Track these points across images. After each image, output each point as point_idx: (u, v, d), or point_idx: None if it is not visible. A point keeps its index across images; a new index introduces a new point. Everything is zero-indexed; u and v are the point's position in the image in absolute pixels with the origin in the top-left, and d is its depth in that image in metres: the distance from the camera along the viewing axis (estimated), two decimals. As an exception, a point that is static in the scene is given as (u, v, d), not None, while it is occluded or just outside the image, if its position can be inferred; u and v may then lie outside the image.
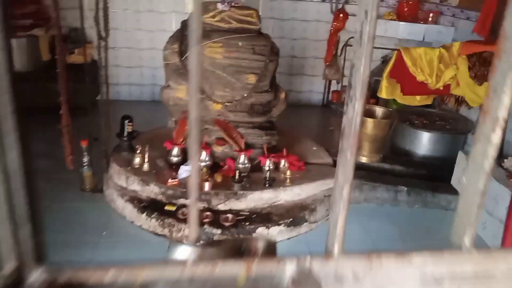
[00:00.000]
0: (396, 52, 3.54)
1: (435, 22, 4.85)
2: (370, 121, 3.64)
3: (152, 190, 3.13)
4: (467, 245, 0.47)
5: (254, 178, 3.24)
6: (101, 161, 3.47)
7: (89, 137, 3.42)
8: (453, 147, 3.94)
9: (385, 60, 4.98)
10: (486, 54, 3.42)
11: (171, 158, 3.33)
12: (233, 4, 3.31)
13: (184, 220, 2.91)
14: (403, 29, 4.77)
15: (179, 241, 2.90)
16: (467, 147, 4.11)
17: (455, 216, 0.49)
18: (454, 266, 0.46)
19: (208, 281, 0.41)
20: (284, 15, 5.48)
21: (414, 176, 3.67)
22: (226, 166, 3.33)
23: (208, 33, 3.26)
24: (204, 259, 0.42)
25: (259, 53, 3.27)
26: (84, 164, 3.38)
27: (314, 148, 3.86)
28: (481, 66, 3.41)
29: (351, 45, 4.55)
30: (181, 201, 3.05)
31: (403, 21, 4.84)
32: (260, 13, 3.48)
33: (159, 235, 2.96)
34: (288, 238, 3.02)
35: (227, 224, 2.90)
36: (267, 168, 3.23)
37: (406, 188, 3.44)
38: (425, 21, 4.85)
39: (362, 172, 3.55)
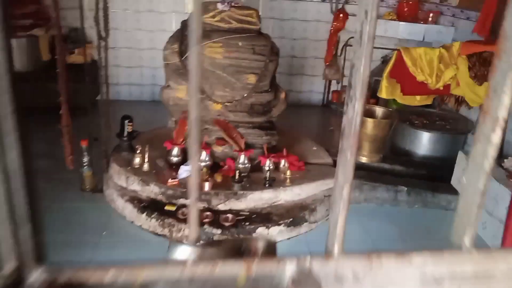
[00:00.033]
0: (396, 52, 3.54)
1: (435, 22, 4.85)
2: (370, 121, 3.64)
3: (152, 190, 3.14)
4: (467, 245, 0.47)
5: (254, 178, 3.24)
6: (101, 161, 3.47)
7: (89, 137, 3.42)
8: (453, 147, 3.94)
9: (385, 60, 4.98)
10: (486, 54, 3.42)
11: (171, 158, 3.33)
12: (233, 4, 3.31)
13: (184, 220, 2.91)
14: (403, 29, 4.77)
15: (179, 241, 2.90)
16: (467, 147, 4.11)
17: (455, 216, 0.50)
18: (454, 266, 0.46)
19: (208, 281, 0.41)
20: (284, 15, 5.48)
21: (414, 176, 3.67)
22: (226, 166, 3.33)
23: (208, 33, 3.26)
24: (204, 259, 0.42)
25: (259, 53, 3.27)
26: (84, 164, 3.38)
27: (314, 148, 3.86)
28: (481, 66, 3.41)
29: (351, 45, 4.55)
30: (181, 201, 3.05)
31: (403, 21, 4.84)
32: (260, 13, 3.48)
33: (159, 235, 2.96)
34: (288, 238, 3.02)
35: (227, 224, 2.90)
36: (267, 168, 3.23)
37: (406, 188, 3.44)
38: (425, 21, 4.85)
39: (362, 172, 3.55)
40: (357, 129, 0.42)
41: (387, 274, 0.44)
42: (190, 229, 0.42)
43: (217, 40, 3.20)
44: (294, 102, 5.42)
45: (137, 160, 3.32)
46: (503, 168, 3.18)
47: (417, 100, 3.74)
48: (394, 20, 4.92)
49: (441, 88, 3.49)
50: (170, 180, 3.13)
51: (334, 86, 5.69)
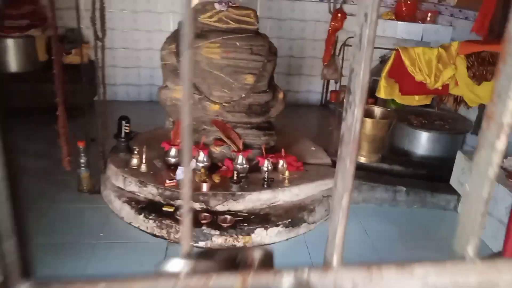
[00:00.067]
0: (394, 51, 3.53)
1: (434, 21, 4.84)
2: (368, 121, 3.63)
3: (149, 191, 3.12)
4: (471, 255, 0.46)
5: (252, 179, 3.22)
6: (98, 162, 3.45)
7: (86, 138, 3.40)
8: (452, 147, 3.93)
9: (383, 60, 4.96)
10: (484, 53, 3.41)
11: (169, 159, 3.32)
12: (230, 4, 3.29)
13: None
14: (401, 29, 4.76)
15: (177, 242, 2.88)
16: (466, 146, 4.10)
17: (458, 225, 0.48)
18: (457, 277, 0.45)
19: (202, 295, 0.39)
20: (282, 15, 5.47)
21: (413, 176, 3.66)
22: (224, 167, 3.31)
23: (206, 33, 3.24)
24: (197, 272, 0.40)
25: (257, 53, 3.25)
26: (81, 165, 3.36)
27: (313, 148, 3.84)
28: (479, 66, 3.40)
29: (349, 45, 4.54)
30: (179, 202, 3.03)
31: (401, 21, 4.82)
32: (258, 13, 3.46)
33: (157, 236, 2.94)
34: (287, 239, 3.00)
35: (225, 225, 2.89)
36: (265, 169, 3.22)
37: (405, 188, 3.42)
38: (423, 21, 4.84)
39: (361, 172, 3.53)
40: (356, 136, 0.41)
41: (388, 286, 0.43)
42: (183, 242, 0.40)
43: (214, 41, 3.18)
44: (292, 102, 5.41)
45: (134, 161, 3.30)
46: (502, 168, 3.17)
47: (416, 100, 3.72)
48: (392, 19, 4.90)
49: (440, 88, 3.48)
50: (168, 181, 3.11)
51: (332, 86, 5.68)
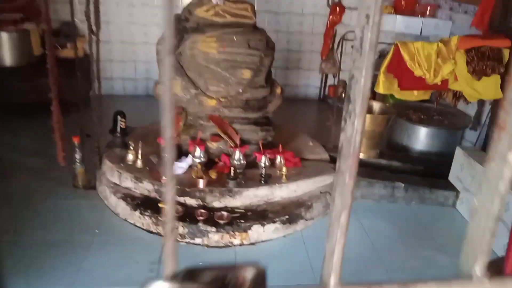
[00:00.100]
0: (393, 46, 3.48)
1: (433, 15, 4.79)
2: (367, 117, 3.58)
3: (145, 187, 3.08)
4: (478, 274, 0.43)
5: (249, 175, 3.19)
6: (93, 157, 3.41)
7: (81, 133, 3.36)
8: (450, 142, 3.91)
9: (382, 55, 4.91)
10: (484, 48, 3.37)
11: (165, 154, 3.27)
12: (227, -3, 3.24)
13: (178, 218, 2.86)
14: (400, 23, 4.71)
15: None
16: (465, 142, 4.07)
17: (465, 242, 0.44)
18: (464, 298, 0.42)
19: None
20: (280, 8, 5.41)
21: (412, 172, 3.63)
22: (221, 163, 3.27)
23: (202, 27, 3.20)
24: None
25: (254, 48, 3.20)
26: (77, 161, 3.32)
27: (311, 143, 3.81)
28: (479, 61, 3.36)
29: (348, 39, 4.50)
30: (175, 198, 2.99)
31: (401, 15, 4.77)
32: (255, 7, 3.41)
33: (153, 233, 2.91)
34: (284, 236, 2.98)
35: (222, 221, 2.86)
36: (262, 165, 3.18)
37: (403, 185, 3.39)
38: (423, 15, 4.79)
39: (359, 168, 3.49)
40: (357, 149, 0.37)
41: (390, 310, 0.40)
42: (167, 263, 0.37)
43: (211, 35, 3.13)
44: (290, 96, 5.37)
45: (130, 156, 3.26)
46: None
47: (415, 95, 3.68)
48: (391, 13, 4.85)
49: (439, 83, 3.44)
50: (164, 177, 3.06)
51: (330, 80, 5.63)
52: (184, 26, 3.29)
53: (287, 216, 2.99)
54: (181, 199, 2.98)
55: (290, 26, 5.50)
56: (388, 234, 3.10)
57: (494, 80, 3.40)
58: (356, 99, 0.35)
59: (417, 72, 3.38)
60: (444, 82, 3.47)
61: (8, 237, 2.78)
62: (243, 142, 3.29)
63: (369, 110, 3.77)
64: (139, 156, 3.23)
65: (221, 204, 3.00)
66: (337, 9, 4.45)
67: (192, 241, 2.82)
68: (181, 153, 3.32)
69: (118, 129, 3.48)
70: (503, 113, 0.39)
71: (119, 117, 3.48)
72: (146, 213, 2.93)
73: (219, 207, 2.99)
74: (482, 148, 3.52)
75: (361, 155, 3.66)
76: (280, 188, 3.12)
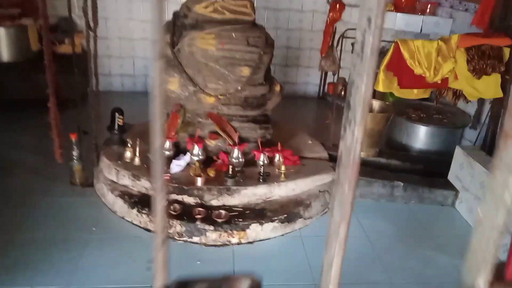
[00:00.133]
0: (393, 44, 3.46)
1: (433, 13, 4.77)
2: (366, 115, 3.57)
3: (143, 185, 3.06)
4: (482, 286, 0.41)
5: (248, 173, 3.17)
6: (91, 154, 3.39)
7: (79, 130, 3.34)
8: (450, 141, 3.90)
9: (382, 52, 4.89)
10: (485, 47, 3.35)
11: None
12: (226, -6, 3.21)
13: (176, 216, 2.85)
14: (401, 20, 4.68)
15: (171, 238, 2.84)
16: (465, 141, 4.06)
17: (468, 252, 0.43)
18: (467, 314, 0.40)
19: None
20: (280, 5, 5.38)
21: (411, 171, 3.62)
22: (219, 161, 3.26)
23: (201, 24, 3.17)
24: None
25: (253, 45, 3.18)
26: (74, 158, 3.30)
27: (310, 142, 3.79)
28: (479, 60, 3.34)
29: (347, 37, 4.47)
30: (173, 196, 2.98)
31: (401, 12, 4.74)
32: (254, 3, 3.39)
33: (151, 231, 2.89)
34: (282, 235, 2.96)
35: (220, 220, 2.84)
36: (261, 163, 3.17)
37: (402, 184, 3.38)
38: (423, 13, 4.76)
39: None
40: (356, 159, 0.35)
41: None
42: (156, 275, 0.35)
43: (210, 31, 3.11)
44: (289, 94, 5.35)
45: (128, 154, 3.24)
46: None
47: (415, 94, 3.66)
48: (391, 11, 4.82)
49: (439, 82, 3.42)
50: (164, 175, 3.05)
51: (330, 78, 5.61)
52: (182, 23, 3.26)
53: (285, 215, 2.97)
54: (179, 197, 2.97)
55: (289, 23, 5.47)
56: (386, 234, 3.09)
57: (494, 79, 3.38)
58: (356, 106, 0.33)
59: (417, 71, 3.36)
60: (444, 80, 3.44)
61: (4, 234, 2.77)
62: (242, 140, 3.27)
63: (369, 109, 3.75)
64: (137, 153, 3.21)
65: (219, 202, 2.98)
66: (337, 6, 4.42)
67: (189, 239, 2.81)
68: (179, 150, 3.30)
69: (116, 126, 3.47)
70: (509, 120, 0.37)
71: (117, 114, 3.47)
72: (144, 211, 2.91)
73: (217, 206, 2.97)
74: (482, 147, 3.50)
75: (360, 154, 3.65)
76: (279, 187, 3.10)
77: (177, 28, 3.26)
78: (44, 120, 3.05)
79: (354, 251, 2.74)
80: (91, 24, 3.06)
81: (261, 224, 2.88)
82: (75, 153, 3.29)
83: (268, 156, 3.24)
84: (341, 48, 4.83)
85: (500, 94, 3.37)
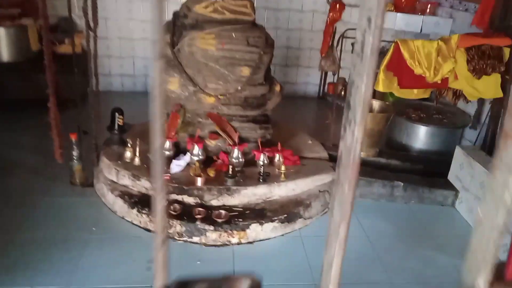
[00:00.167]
0: (393, 44, 3.46)
1: (433, 13, 4.77)
2: (366, 115, 3.57)
3: (143, 185, 3.06)
4: (482, 286, 0.41)
5: (248, 173, 3.17)
6: (91, 154, 3.39)
7: (79, 130, 3.34)
8: (450, 141, 3.90)
9: (382, 52, 4.89)
10: (485, 47, 3.35)
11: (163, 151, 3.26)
12: (226, -6, 3.21)
13: (176, 216, 2.85)
14: (401, 20, 4.68)
15: (171, 238, 2.84)
16: (465, 141, 4.06)
17: (468, 252, 0.43)
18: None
19: None
20: (280, 5, 5.38)
21: (411, 171, 3.62)
22: (219, 161, 3.26)
23: (201, 24, 3.17)
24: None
25: (253, 45, 3.18)
26: (74, 158, 3.30)
27: (310, 142, 3.79)
28: (479, 60, 3.34)
29: (348, 37, 4.47)
30: (173, 196, 2.98)
31: (401, 12, 4.74)
32: (254, 3, 3.39)
33: (151, 231, 2.89)
34: (282, 235, 2.96)
35: (220, 220, 2.84)
36: (261, 163, 3.17)
37: (402, 184, 3.38)
38: (423, 12, 4.76)
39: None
40: (356, 159, 0.35)
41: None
42: (156, 275, 0.35)
43: (210, 31, 3.11)
44: (289, 93, 5.35)
45: (128, 154, 3.24)
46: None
47: (415, 94, 3.66)
48: (391, 11, 4.82)
49: (439, 82, 3.41)
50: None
51: (330, 78, 5.61)
52: (182, 23, 3.26)
53: (285, 215, 2.97)
54: (179, 197, 2.97)
55: (289, 23, 5.47)
56: (386, 234, 3.09)
57: (494, 79, 3.38)
58: (356, 106, 0.33)
59: (417, 71, 3.36)
60: (444, 80, 3.44)
61: (4, 234, 2.77)
62: (242, 140, 3.27)
63: (369, 109, 3.75)
64: (137, 153, 3.21)
65: (219, 202, 2.98)
66: (337, 6, 4.42)
67: (189, 239, 2.81)
68: (179, 150, 3.30)
69: (116, 126, 3.47)
70: (509, 120, 0.37)
71: (117, 114, 3.46)
72: (144, 211, 2.91)
73: (217, 206, 2.97)
74: (482, 147, 3.50)
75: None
76: (279, 187, 3.10)
77: (177, 28, 3.26)
78: (44, 120, 3.05)
79: (354, 251, 2.74)
80: (91, 24, 3.05)
81: (261, 224, 2.88)
82: (75, 153, 3.29)
83: (268, 156, 3.24)
84: (341, 48, 4.84)
85: (500, 94, 3.37)
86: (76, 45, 3.44)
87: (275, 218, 2.94)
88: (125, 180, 3.12)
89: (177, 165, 3.13)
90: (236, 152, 3.18)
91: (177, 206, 2.91)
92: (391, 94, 3.86)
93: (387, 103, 3.93)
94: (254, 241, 2.87)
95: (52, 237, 2.78)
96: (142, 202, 2.99)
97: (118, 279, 2.47)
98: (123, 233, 2.90)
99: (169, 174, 3.07)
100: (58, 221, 2.96)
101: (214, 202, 2.98)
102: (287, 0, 5.37)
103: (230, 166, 3.08)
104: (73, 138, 3.25)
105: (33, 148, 3.83)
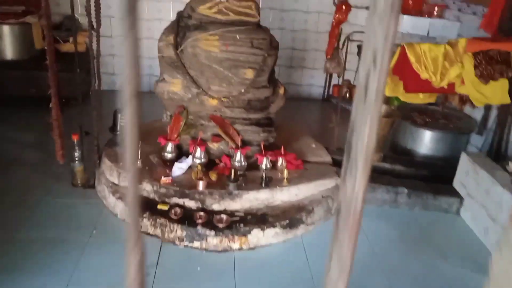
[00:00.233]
0: (399, 47, 3.41)
1: (440, 16, 4.70)
2: (371, 119, 3.52)
3: (144, 188, 3.03)
4: None
5: (250, 177, 3.13)
6: (93, 155, 3.37)
7: (80, 130, 3.31)
8: (456, 147, 3.84)
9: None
10: (492, 52, 3.29)
11: (165, 154, 3.23)
12: (231, -5, 3.17)
13: (177, 221, 2.82)
14: (407, 23, 4.62)
15: (172, 242, 2.81)
16: (470, 147, 4.00)
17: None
18: None
19: None
20: (285, 6, 5.33)
21: (415, 177, 3.57)
22: (221, 163, 3.22)
23: (205, 25, 3.13)
24: None
25: (257, 47, 3.14)
26: (75, 159, 3.27)
27: (313, 145, 3.75)
28: (487, 65, 3.28)
29: (353, 40, 4.42)
30: (174, 200, 2.95)
31: (407, 15, 4.68)
32: (259, 4, 3.35)
33: (151, 235, 2.86)
34: (284, 241, 2.92)
35: (221, 225, 2.80)
36: (264, 167, 3.13)
37: (406, 190, 3.33)
38: (430, 15, 4.70)
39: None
40: (357, 213, 0.31)
41: None
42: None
43: (213, 33, 3.07)
44: (294, 95, 5.31)
45: (129, 156, 3.21)
46: (507, 171, 3.07)
47: (420, 98, 3.61)
48: (398, 13, 4.76)
49: (446, 87, 3.36)
50: (163, 178, 3.02)
51: (335, 80, 5.56)
52: (186, 24, 3.23)
53: (287, 221, 2.93)
54: (180, 201, 2.94)
55: (294, 24, 5.42)
56: (390, 240, 3.04)
57: (501, 84, 3.32)
58: (357, 158, 0.30)
59: (423, 75, 3.31)
60: (451, 85, 3.39)
61: (4, 234, 2.75)
62: (245, 143, 3.24)
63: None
64: (139, 155, 3.18)
65: (220, 207, 2.95)
66: (343, 7, 4.36)
67: (190, 244, 2.77)
68: (181, 153, 3.27)
69: (118, 127, 3.44)
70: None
71: (119, 115, 3.44)
72: (144, 215, 2.88)
73: (218, 210, 2.94)
74: (488, 154, 3.45)
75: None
76: (281, 192, 3.06)
77: (181, 28, 3.22)
78: (46, 119, 3.03)
79: (355, 257, 2.69)
80: (94, 23, 3.03)
81: (263, 229, 2.85)
82: (76, 154, 3.26)
83: (271, 160, 3.20)
84: (346, 50, 4.80)
85: (507, 100, 3.31)
86: (79, 44, 3.41)
87: (277, 223, 2.90)
88: (127, 182, 3.08)
89: (179, 168, 3.10)
90: (238, 156, 3.15)
91: (178, 210, 2.87)
92: (397, 98, 3.81)
93: (392, 107, 3.88)
94: (255, 247, 2.83)
95: (52, 238, 2.76)
96: (143, 205, 2.96)
97: (117, 282, 2.44)
98: (123, 236, 2.86)
99: (171, 177, 3.04)
100: (58, 221, 2.94)
101: (216, 207, 2.95)
102: (293, 0, 5.32)
103: (232, 170, 3.04)
104: (75, 139, 3.22)
105: (35, 147, 3.81)
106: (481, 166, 3.14)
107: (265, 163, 3.15)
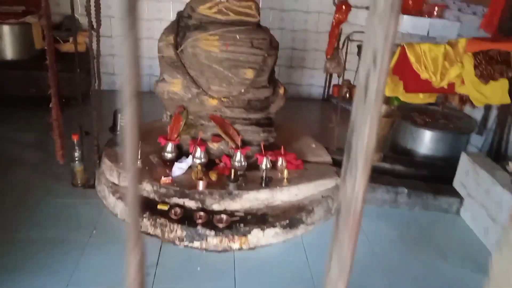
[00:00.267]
0: (399, 47, 3.41)
1: (440, 16, 4.70)
2: (371, 119, 3.52)
3: (144, 188, 3.03)
4: None
5: (250, 177, 3.13)
6: (93, 155, 3.37)
7: (80, 130, 3.31)
8: (455, 147, 3.84)
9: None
10: (492, 52, 3.29)
11: (165, 154, 3.23)
12: (231, -5, 3.17)
13: (177, 221, 2.82)
14: (407, 23, 4.62)
15: (172, 242, 2.81)
16: (470, 147, 4.00)
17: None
18: None
19: None
20: (285, 6, 5.33)
21: (415, 177, 3.57)
22: (221, 163, 3.22)
23: (205, 25, 3.13)
24: None
25: (257, 47, 3.14)
26: (75, 159, 3.27)
27: (313, 145, 3.75)
28: (487, 65, 3.28)
29: (353, 40, 4.42)
30: (174, 200, 2.95)
31: (407, 14, 4.68)
32: (259, 4, 3.35)
33: (151, 235, 2.86)
34: (284, 241, 2.92)
35: (221, 225, 2.80)
36: (264, 167, 3.13)
37: (406, 190, 3.33)
38: (430, 15, 4.70)
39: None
40: (357, 213, 0.31)
41: None
42: None
43: (213, 33, 3.07)
44: (294, 95, 5.31)
45: (129, 156, 3.21)
46: (507, 171, 3.07)
47: (420, 98, 3.61)
48: (398, 13, 4.76)
49: (446, 87, 3.36)
50: (163, 178, 3.02)
51: (335, 80, 5.57)
52: (186, 23, 3.23)
53: (287, 221, 2.93)
54: (180, 201, 2.94)
55: (294, 24, 5.42)
56: (390, 240, 3.04)
57: (501, 84, 3.32)
58: (357, 158, 0.30)
59: (423, 75, 3.31)
60: (451, 85, 3.39)
61: (4, 234, 2.75)
62: (245, 143, 3.24)
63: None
64: (139, 155, 3.18)
65: (220, 207, 2.95)
66: (343, 7, 4.37)
67: (190, 244, 2.77)
68: (181, 153, 3.27)
69: (118, 127, 3.44)
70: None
71: (119, 115, 3.44)
72: (144, 215, 2.88)
73: (218, 210, 2.94)
74: (488, 154, 3.45)
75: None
76: (281, 192, 3.06)
77: (181, 28, 3.22)
78: (46, 118, 3.03)
79: (355, 258, 2.69)
80: (94, 24, 3.03)
81: (263, 229, 2.85)
82: (76, 154, 3.26)
83: (271, 160, 3.20)
84: (346, 50, 4.80)
85: (507, 100, 3.31)
86: (79, 44, 3.41)
87: (277, 223, 2.90)
88: (127, 182, 3.08)
89: (179, 168, 3.10)
90: (238, 156, 3.15)
91: (178, 210, 2.87)
92: (397, 98, 3.81)
93: (392, 107, 3.88)
94: (255, 247, 2.83)
95: (52, 238, 2.76)
96: (143, 205, 2.96)
97: (117, 282, 2.44)
98: (123, 236, 2.86)
99: (171, 177, 3.04)
100: (58, 221, 2.94)
101: (216, 207, 2.95)
102: (293, 0, 5.32)
103: (232, 170, 3.04)
104: (75, 139, 3.22)
105: (35, 147, 3.81)
106: (481, 166, 3.14)
107: (265, 163, 3.15)
